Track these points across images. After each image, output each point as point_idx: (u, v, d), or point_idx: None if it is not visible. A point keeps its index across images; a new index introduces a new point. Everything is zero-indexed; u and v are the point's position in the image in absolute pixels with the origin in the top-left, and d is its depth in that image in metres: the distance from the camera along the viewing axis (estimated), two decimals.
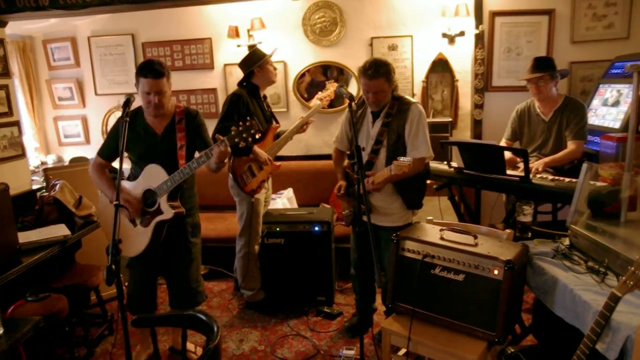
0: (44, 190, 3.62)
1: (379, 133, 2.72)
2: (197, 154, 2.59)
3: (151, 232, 2.52)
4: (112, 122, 4.85)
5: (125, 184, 2.59)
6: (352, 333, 3.10)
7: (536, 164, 3.08)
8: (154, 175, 2.51)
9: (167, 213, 2.52)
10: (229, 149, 2.39)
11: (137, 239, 2.55)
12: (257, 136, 2.36)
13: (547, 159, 3.12)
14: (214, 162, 2.47)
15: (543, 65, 3.17)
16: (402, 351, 2.40)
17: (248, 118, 2.40)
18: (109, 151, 2.66)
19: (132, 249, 2.56)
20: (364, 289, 3.05)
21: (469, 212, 3.47)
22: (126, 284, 2.78)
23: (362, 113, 2.85)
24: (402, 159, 2.40)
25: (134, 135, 2.56)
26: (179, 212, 2.54)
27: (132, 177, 2.66)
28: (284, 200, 4.13)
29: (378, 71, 2.58)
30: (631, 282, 1.49)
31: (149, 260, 2.62)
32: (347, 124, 2.89)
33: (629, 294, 1.52)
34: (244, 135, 2.33)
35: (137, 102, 2.56)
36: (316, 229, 3.40)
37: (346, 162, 2.98)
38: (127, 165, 2.64)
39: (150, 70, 2.45)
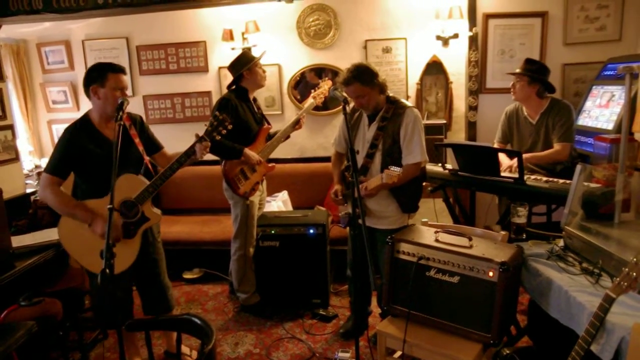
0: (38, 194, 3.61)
1: (375, 137, 2.72)
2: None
3: (140, 241, 2.51)
4: None
5: (92, 202, 2.42)
6: (347, 338, 3.10)
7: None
8: (130, 185, 2.44)
9: (155, 217, 2.54)
10: (209, 143, 2.50)
11: (123, 252, 2.41)
12: (229, 127, 2.55)
13: (527, 155, 3.10)
14: (198, 159, 2.50)
15: (525, 66, 3.18)
16: (398, 354, 2.40)
17: (217, 113, 2.56)
18: (64, 167, 2.43)
19: (118, 264, 2.39)
20: (359, 291, 3.04)
21: (464, 214, 3.47)
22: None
23: (358, 116, 2.85)
24: (393, 168, 2.42)
25: (91, 147, 2.42)
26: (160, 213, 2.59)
27: (82, 192, 2.50)
28: (279, 203, 4.13)
29: (350, 77, 2.64)
30: (625, 283, 1.50)
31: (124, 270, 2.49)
32: (344, 126, 2.90)
33: (623, 295, 1.53)
34: (219, 128, 2.51)
35: (75, 116, 2.55)
36: (311, 231, 3.40)
37: (345, 164, 2.99)
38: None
39: (119, 67, 2.45)
